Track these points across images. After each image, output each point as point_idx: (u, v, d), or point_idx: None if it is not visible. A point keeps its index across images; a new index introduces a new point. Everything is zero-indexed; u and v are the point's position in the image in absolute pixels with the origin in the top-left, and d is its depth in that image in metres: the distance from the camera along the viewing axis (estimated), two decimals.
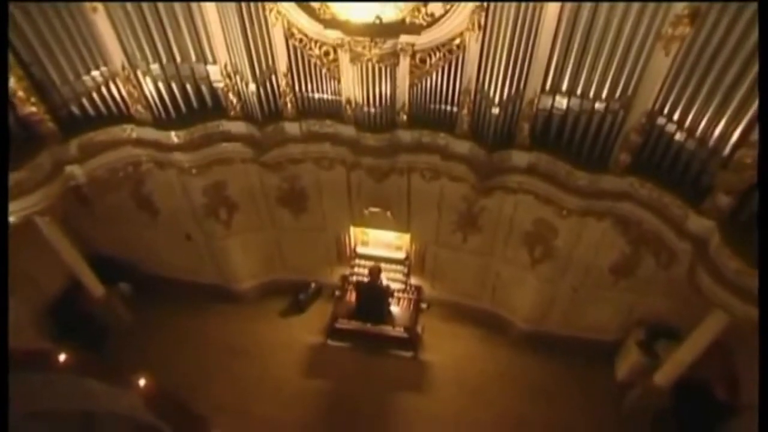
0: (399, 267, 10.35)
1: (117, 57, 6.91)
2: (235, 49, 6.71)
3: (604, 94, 6.15)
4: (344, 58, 6.64)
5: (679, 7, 5.22)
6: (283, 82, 7.18)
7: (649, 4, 5.31)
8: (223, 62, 6.97)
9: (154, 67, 6.95)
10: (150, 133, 7.67)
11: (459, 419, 9.28)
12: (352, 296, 9.99)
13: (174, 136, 7.59)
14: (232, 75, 7.08)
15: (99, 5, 6.33)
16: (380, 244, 10.40)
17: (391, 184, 8.34)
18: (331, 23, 6.34)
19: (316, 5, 6.29)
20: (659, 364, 8.46)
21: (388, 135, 7.37)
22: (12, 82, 6.45)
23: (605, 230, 7.71)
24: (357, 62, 6.57)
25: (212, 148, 7.94)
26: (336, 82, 7.08)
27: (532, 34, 5.96)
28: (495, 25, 5.98)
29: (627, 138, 6.47)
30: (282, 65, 7.01)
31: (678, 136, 6.10)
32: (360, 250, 10.47)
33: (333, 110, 7.45)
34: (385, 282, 9.68)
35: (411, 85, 6.89)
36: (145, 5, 6.37)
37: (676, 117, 6.00)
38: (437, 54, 6.53)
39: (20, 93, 6.60)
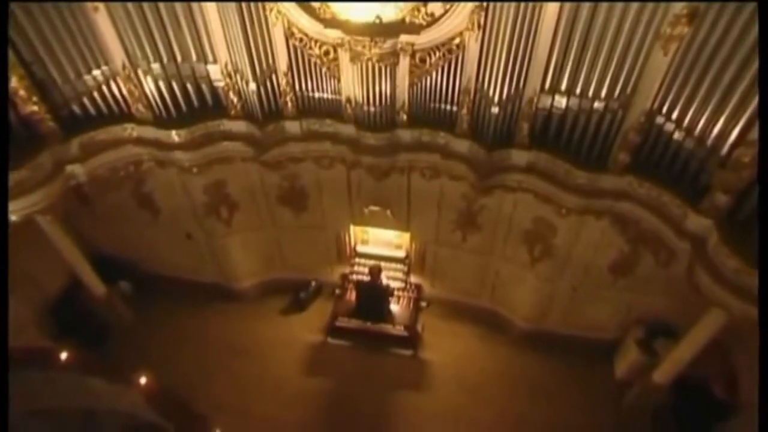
0: (399, 265, 10.38)
1: (118, 56, 6.93)
2: (236, 48, 6.73)
3: (603, 94, 6.18)
4: (344, 57, 6.66)
5: (678, 7, 5.24)
6: (283, 81, 7.20)
7: (648, 3, 5.34)
8: (223, 61, 6.99)
9: (155, 66, 6.97)
10: (151, 132, 7.69)
11: (458, 417, 9.31)
12: (352, 295, 10.01)
13: (175, 135, 7.61)
14: (232, 74, 7.10)
15: (100, 4, 6.35)
16: (380, 242, 10.43)
17: (391, 183, 8.36)
18: (331, 23, 6.36)
19: (316, 5, 6.31)
20: (658, 363, 8.48)
21: (388, 134, 7.39)
22: (13, 81, 6.47)
23: (604, 229, 7.73)
24: (357, 61, 6.59)
25: (213, 147, 7.96)
26: (336, 82, 7.10)
27: (532, 33, 5.98)
28: (494, 24, 6.00)
29: (626, 137, 6.49)
30: (282, 64, 7.03)
31: (676, 136, 6.13)
32: (360, 248, 10.50)
33: (333, 109, 7.48)
34: (385, 281, 9.71)
35: (411, 85, 6.91)
36: (145, 5, 6.39)
37: (674, 116, 6.03)
38: (437, 53, 6.55)
39: (22, 92, 6.61)
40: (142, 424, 7.97)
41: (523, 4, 5.70)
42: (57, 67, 6.75)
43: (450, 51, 6.49)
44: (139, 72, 7.05)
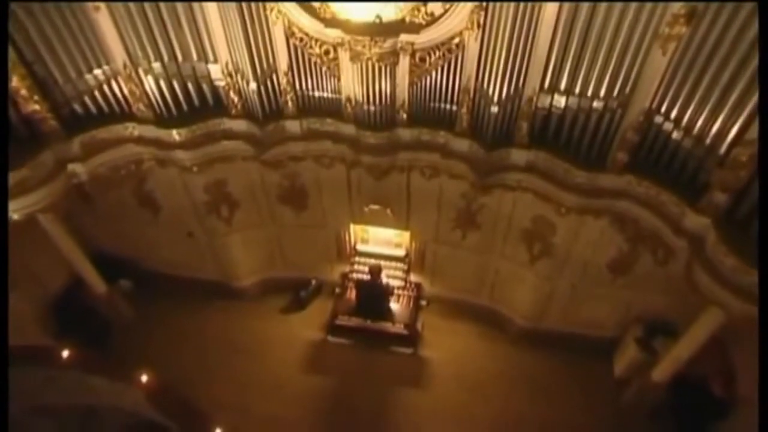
0: (398, 264, 10.40)
1: (119, 55, 6.95)
2: (236, 47, 6.75)
3: (602, 93, 6.20)
4: (344, 56, 6.68)
5: (676, 7, 5.26)
6: (283, 81, 7.22)
7: (647, 3, 5.36)
8: (224, 61, 7.01)
9: (156, 65, 6.99)
10: (151, 131, 7.71)
11: (458, 415, 9.34)
12: (352, 293, 10.05)
13: (175, 134, 7.63)
14: (233, 73, 7.12)
15: (101, 4, 6.37)
16: (380, 241, 10.45)
17: (391, 182, 8.39)
18: (331, 22, 6.38)
19: (316, 4, 6.33)
20: (657, 361, 8.50)
21: (388, 133, 7.41)
22: (15, 80, 6.48)
23: (603, 228, 7.75)
24: (357, 61, 6.61)
25: (213, 146, 7.98)
26: (336, 81, 7.12)
27: (531, 33, 6.00)
28: (494, 24, 6.02)
29: (624, 136, 6.51)
30: (283, 64, 7.04)
31: (675, 135, 6.14)
32: (360, 247, 10.53)
33: (333, 108, 7.49)
34: (385, 280, 9.74)
35: (411, 84, 6.92)
36: (146, 4, 6.41)
37: (673, 115, 6.04)
38: (437, 53, 6.56)
39: (23, 91, 6.63)
40: (143, 422, 8.01)
41: (522, 4, 5.72)
42: (58, 66, 6.77)
43: (450, 50, 6.51)
44: (140, 71, 7.07)
